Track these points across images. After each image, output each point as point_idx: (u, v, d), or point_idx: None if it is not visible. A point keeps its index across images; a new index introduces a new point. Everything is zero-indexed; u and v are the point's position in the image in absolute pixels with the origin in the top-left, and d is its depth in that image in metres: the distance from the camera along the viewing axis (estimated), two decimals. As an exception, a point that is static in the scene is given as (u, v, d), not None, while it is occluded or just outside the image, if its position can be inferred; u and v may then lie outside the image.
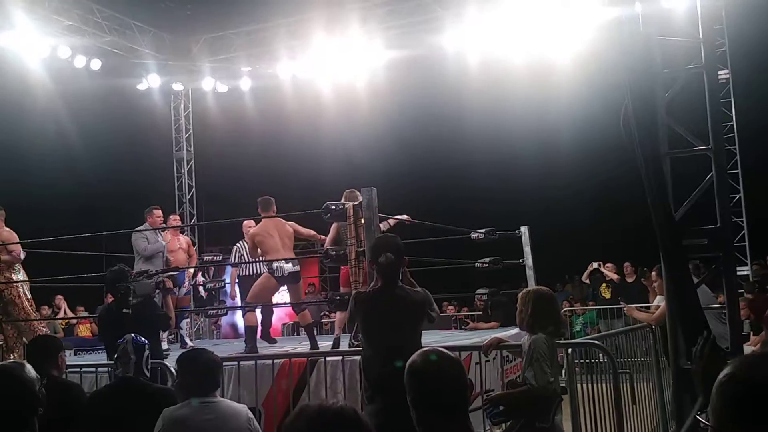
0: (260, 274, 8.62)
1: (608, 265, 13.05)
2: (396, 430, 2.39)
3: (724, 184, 4.31)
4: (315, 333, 8.36)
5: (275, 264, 8.04)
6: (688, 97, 4.70)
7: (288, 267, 8.04)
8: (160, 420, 3.80)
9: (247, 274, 9.88)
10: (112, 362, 5.68)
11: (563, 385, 4.75)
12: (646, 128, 4.00)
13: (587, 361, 5.47)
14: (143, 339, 4.57)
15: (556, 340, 4.40)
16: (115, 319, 6.39)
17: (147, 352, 4.51)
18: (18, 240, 8.44)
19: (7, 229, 8.50)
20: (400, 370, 2.50)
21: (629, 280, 12.13)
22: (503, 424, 4.42)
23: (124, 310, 6.41)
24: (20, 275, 8.46)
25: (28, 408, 2.79)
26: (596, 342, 5.24)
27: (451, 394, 2.37)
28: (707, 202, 4.55)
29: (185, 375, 3.98)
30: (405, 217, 8.97)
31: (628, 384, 5.00)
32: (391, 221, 8.75)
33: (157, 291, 6.92)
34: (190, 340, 10.27)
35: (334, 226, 8.01)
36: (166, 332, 9.19)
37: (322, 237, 8.43)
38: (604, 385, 4.97)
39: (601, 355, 5.07)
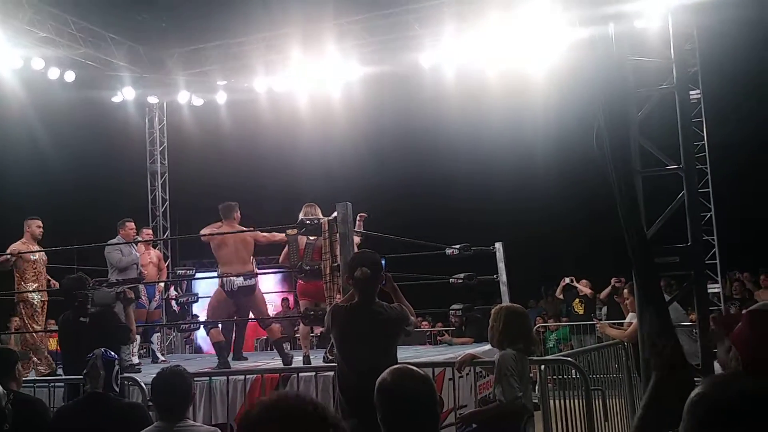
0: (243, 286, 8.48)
1: (582, 281, 13.15)
2: None
3: (695, 203, 4.37)
4: (286, 348, 8.32)
5: (225, 278, 7.93)
6: (660, 117, 4.77)
7: (238, 281, 7.86)
8: None
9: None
10: (71, 375, 5.60)
11: (536, 401, 4.77)
12: (619, 146, 4.04)
13: (560, 377, 5.50)
14: (113, 354, 4.52)
15: (529, 357, 4.42)
16: (73, 329, 6.28)
17: (117, 368, 4.45)
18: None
19: None
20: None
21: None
22: None
23: (81, 319, 6.29)
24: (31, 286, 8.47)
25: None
26: (569, 359, 5.26)
27: (421, 412, 2.37)
28: (679, 220, 4.61)
29: (156, 398, 3.93)
30: (361, 215, 8.95)
31: (600, 401, 5.02)
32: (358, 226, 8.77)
33: (118, 301, 6.74)
34: (162, 354, 10.18)
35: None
36: (136, 346, 9.10)
37: (281, 237, 8.23)
38: (576, 401, 5.00)
39: (574, 371, 5.10)
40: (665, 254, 4.28)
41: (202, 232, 8.19)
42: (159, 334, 10.50)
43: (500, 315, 4.46)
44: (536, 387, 5.39)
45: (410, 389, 2.41)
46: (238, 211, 8.26)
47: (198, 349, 13.60)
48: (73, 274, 6.65)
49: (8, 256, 8.36)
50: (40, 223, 8.69)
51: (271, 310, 13.84)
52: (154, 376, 4.05)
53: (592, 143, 4.22)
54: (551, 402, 5.15)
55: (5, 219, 13.86)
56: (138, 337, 9.22)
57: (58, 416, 4.35)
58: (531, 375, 5.31)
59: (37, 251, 8.57)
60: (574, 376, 5.23)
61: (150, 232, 10.35)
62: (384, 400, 2.42)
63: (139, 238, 9.48)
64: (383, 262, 6.31)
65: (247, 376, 6.45)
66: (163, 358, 9.81)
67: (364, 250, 5.91)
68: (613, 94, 4.20)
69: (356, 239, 8.58)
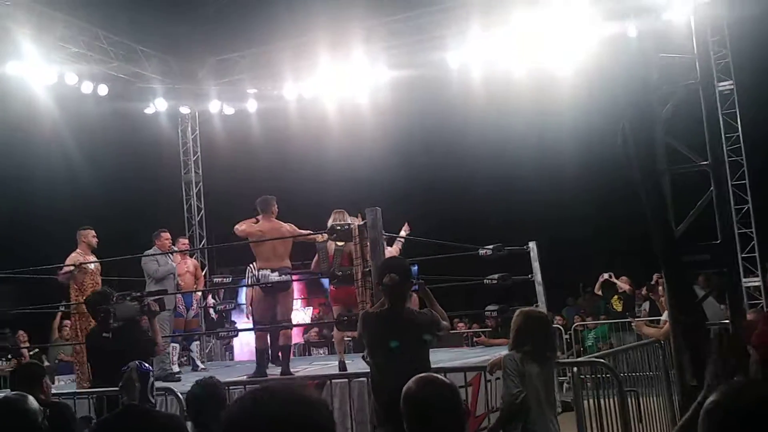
0: None
1: (622, 277, 13.00)
2: None
3: (723, 200, 4.32)
4: (321, 353, 8.38)
5: (261, 272, 7.90)
6: (688, 113, 4.71)
7: (274, 276, 7.82)
8: None
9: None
10: (102, 388, 5.69)
11: (568, 400, 4.77)
12: (644, 145, 4.01)
13: (595, 376, 5.46)
14: (148, 366, 4.59)
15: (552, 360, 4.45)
16: (97, 344, 6.36)
17: (152, 380, 4.52)
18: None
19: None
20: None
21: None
22: None
23: (104, 335, 6.36)
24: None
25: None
26: (601, 360, 5.23)
27: (446, 420, 2.38)
28: (712, 216, 4.55)
29: (191, 411, 3.98)
30: (405, 227, 9.02)
31: (634, 401, 4.97)
32: (402, 237, 8.80)
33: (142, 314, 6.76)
34: (202, 362, 10.30)
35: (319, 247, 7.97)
36: (176, 355, 9.23)
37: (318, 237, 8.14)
38: (611, 401, 4.97)
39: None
40: (696, 252, 4.23)
41: (238, 227, 8.05)
42: (198, 342, 10.62)
43: (515, 318, 4.50)
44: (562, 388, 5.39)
45: (435, 398, 2.43)
46: (276, 205, 8.15)
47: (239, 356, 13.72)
48: (99, 289, 6.74)
49: (72, 268, 8.44)
50: (94, 232, 8.77)
51: (303, 315, 13.98)
52: (189, 388, 4.11)
53: (617, 143, 4.20)
54: (586, 402, 5.13)
55: (40, 234, 14.21)
56: (177, 345, 9.35)
57: (97, 429, 4.43)
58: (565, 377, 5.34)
59: (93, 261, 8.65)
60: (608, 376, 5.19)
61: (186, 241, 10.47)
62: (409, 409, 2.44)
63: (175, 248, 9.59)
64: (414, 268, 6.32)
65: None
66: (202, 366, 9.93)
67: (393, 257, 5.95)
68: (636, 93, 4.17)
69: (396, 248, 8.66)
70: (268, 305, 7.96)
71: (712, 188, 4.28)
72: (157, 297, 7.18)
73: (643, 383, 6.49)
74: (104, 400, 5.60)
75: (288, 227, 8.09)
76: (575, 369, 5.10)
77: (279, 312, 7.95)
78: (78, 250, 8.65)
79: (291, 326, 8.44)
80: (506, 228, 12.79)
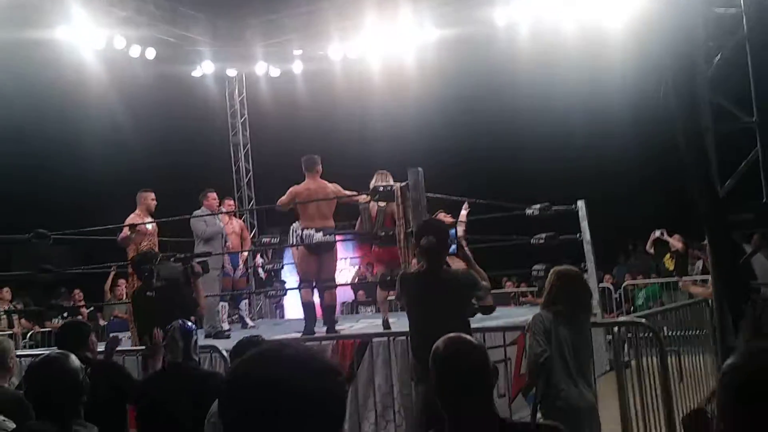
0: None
1: (675, 235, 12.74)
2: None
3: (770, 158, 4.20)
4: (369, 312, 8.47)
5: (305, 231, 7.94)
6: (737, 69, 4.56)
7: (318, 236, 7.86)
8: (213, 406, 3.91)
9: None
10: (141, 347, 5.84)
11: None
12: (687, 102, 3.92)
13: (639, 336, 5.42)
14: (191, 324, 4.71)
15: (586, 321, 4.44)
16: (141, 302, 6.52)
17: (195, 338, 4.64)
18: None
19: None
20: None
21: None
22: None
23: (147, 293, 6.50)
24: None
25: (74, 397, 2.93)
26: (641, 320, 5.18)
27: (472, 381, 2.40)
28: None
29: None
30: (465, 207, 9.10)
31: (676, 360, 4.93)
32: (463, 220, 8.88)
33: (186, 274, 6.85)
34: (251, 320, 10.51)
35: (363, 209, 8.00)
36: (225, 313, 9.42)
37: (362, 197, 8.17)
38: (653, 359, 4.92)
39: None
40: (739, 211, 4.14)
41: (295, 190, 8.06)
42: (246, 300, 10.81)
43: (549, 277, 4.48)
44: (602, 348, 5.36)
45: (461, 357, 2.45)
46: (320, 164, 8.18)
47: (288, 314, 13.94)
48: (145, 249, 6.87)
49: (128, 232, 8.58)
50: (153, 195, 8.88)
51: (350, 275, 14.10)
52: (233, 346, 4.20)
53: (660, 100, 4.10)
54: (634, 362, 5.11)
55: (91, 198, 14.57)
56: (225, 304, 9.53)
57: (141, 387, 4.58)
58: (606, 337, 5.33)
59: (150, 222, 8.76)
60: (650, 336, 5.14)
61: (232, 202, 10.60)
62: (437, 369, 2.46)
63: (223, 209, 9.72)
64: (452, 231, 6.30)
65: (325, 342, 6.63)
66: (252, 324, 10.13)
67: (430, 218, 5.95)
68: (680, 47, 4.06)
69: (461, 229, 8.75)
70: (313, 264, 8.02)
71: (758, 146, 4.17)
72: (201, 260, 7.30)
73: (689, 343, 6.41)
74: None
75: (333, 187, 8.12)
76: (615, 329, 5.06)
77: (323, 271, 8.03)
78: (137, 212, 8.78)
79: (335, 285, 8.50)
80: (555, 187, 12.63)
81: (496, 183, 15.11)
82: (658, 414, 4.83)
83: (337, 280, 8.97)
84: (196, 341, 4.63)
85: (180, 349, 4.52)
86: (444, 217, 9.09)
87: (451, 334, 2.62)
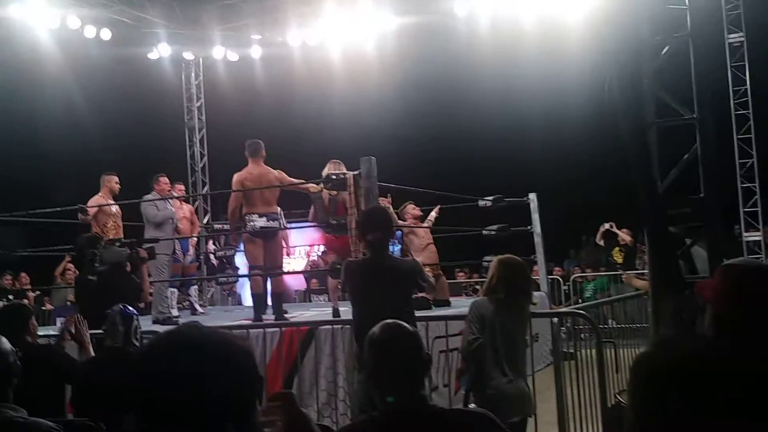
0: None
1: (623, 229, 12.96)
2: None
3: (709, 154, 4.29)
4: (318, 300, 8.47)
5: (247, 217, 7.85)
6: (680, 65, 4.64)
7: (260, 222, 7.78)
8: None
9: None
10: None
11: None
12: (631, 98, 3.97)
13: (584, 327, 5.50)
14: (132, 309, 4.65)
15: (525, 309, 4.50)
16: (83, 287, 6.42)
17: (136, 323, 4.58)
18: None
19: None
20: None
21: None
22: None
23: (89, 278, 6.40)
24: None
25: (3, 380, 2.87)
26: (580, 312, 5.27)
27: (404, 365, 2.41)
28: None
29: None
30: (436, 210, 9.22)
31: (612, 352, 5.01)
32: (431, 219, 8.96)
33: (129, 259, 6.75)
34: (201, 306, 10.43)
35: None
36: (175, 299, 9.32)
37: (311, 186, 8.16)
38: (592, 351, 5.00)
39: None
40: (678, 205, 4.23)
41: (240, 177, 7.97)
42: (196, 287, 10.71)
43: (492, 265, 4.53)
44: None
45: (395, 342, 2.45)
46: (264, 150, 8.09)
47: (240, 301, 13.87)
48: (87, 232, 6.77)
49: (89, 215, 8.48)
50: (117, 179, 8.79)
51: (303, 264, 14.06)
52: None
53: (604, 94, 4.16)
54: (581, 353, 5.19)
55: (43, 178, 14.28)
56: (175, 290, 9.43)
57: (79, 371, 4.51)
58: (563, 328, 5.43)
59: (112, 204, 8.64)
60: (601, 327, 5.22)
61: (182, 187, 10.48)
62: (371, 353, 2.46)
63: (174, 194, 9.61)
64: (398, 233, 6.26)
65: (275, 329, 6.60)
66: (201, 311, 10.05)
67: (374, 208, 5.93)
68: (626, 43, 4.11)
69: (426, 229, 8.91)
70: (258, 251, 7.95)
71: (698, 141, 4.25)
72: (148, 246, 7.19)
73: (633, 335, 6.53)
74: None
75: (276, 173, 8.06)
76: (555, 319, 5.13)
77: (269, 258, 7.98)
78: (100, 194, 8.68)
79: (281, 273, 8.44)
80: (510, 179, 12.72)
81: (454, 173, 15.16)
82: (594, 406, 4.92)
83: (286, 268, 8.93)
84: (137, 327, 4.57)
85: (120, 334, 4.46)
86: (413, 209, 9.13)
87: (388, 320, 2.63)
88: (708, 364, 1.44)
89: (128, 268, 6.56)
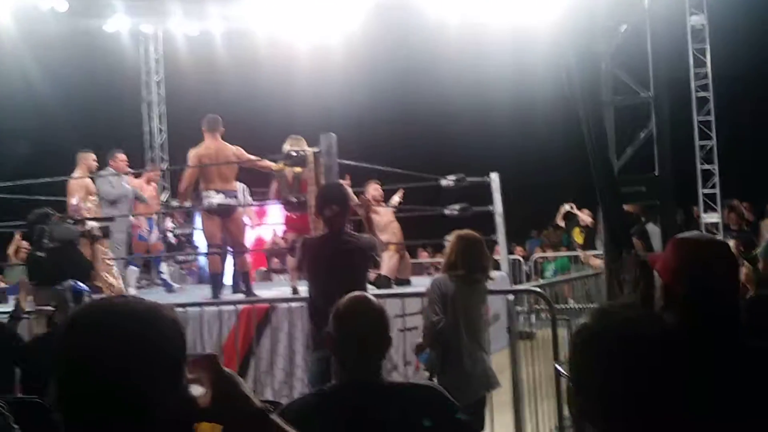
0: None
1: (584, 210, 13.04)
2: None
3: (664, 132, 4.30)
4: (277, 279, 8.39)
5: (203, 194, 7.68)
6: (637, 44, 4.64)
7: (217, 199, 7.61)
8: None
9: None
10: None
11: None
12: (588, 79, 3.95)
13: (541, 308, 5.53)
14: (83, 285, 4.56)
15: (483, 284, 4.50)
16: (32, 263, 6.30)
17: (87, 299, 4.49)
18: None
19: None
20: None
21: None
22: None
23: (38, 254, 6.28)
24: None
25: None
26: (536, 289, 5.28)
27: (370, 338, 2.38)
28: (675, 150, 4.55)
29: None
30: (400, 193, 9.12)
31: (566, 329, 5.03)
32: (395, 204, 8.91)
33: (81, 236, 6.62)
34: (174, 283, 10.25)
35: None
36: (133, 278, 9.16)
37: (268, 164, 8.05)
38: (548, 329, 5.02)
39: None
40: (632, 183, 4.24)
41: (198, 152, 7.77)
42: (166, 264, 10.50)
43: (451, 240, 4.52)
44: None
45: (362, 317, 2.43)
46: (222, 126, 7.90)
47: (202, 279, 13.69)
48: (40, 208, 6.62)
49: (81, 205, 8.29)
50: (94, 156, 8.69)
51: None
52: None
53: (561, 75, 4.13)
54: (541, 331, 5.20)
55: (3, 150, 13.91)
56: (135, 269, 9.28)
57: (28, 348, 4.42)
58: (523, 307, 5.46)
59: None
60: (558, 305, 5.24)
61: (159, 172, 10.23)
62: (336, 325, 2.43)
63: (130, 170, 9.44)
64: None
65: (237, 306, 6.53)
66: (177, 286, 9.89)
67: (330, 184, 5.89)
68: (583, 23, 4.08)
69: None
70: (216, 228, 7.82)
71: (653, 120, 4.26)
72: (102, 224, 7.04)
73: (587, 313, 6.57)
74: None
75: (234, 149, 7.92)
76: (511, 297, 5.14)
77: (229, 236, 7.86)
78: (78, 173, 8.56)
79: (243, 251, 8.32)
80: (473, 159, 12.70)
81: (417, 152, 15.09)
82: (550, 384, 4.95)
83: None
84: (89, 303, 4.47)
85: (71, 311, 4.36)
86: (374, 190, 9.05)
87: (355, 293, 2.60)
88: (642, 338, 1.42)
89: (80, 246, 6.44)
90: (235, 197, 7.86)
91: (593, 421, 1.43)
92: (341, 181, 8.32)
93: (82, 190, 8.34)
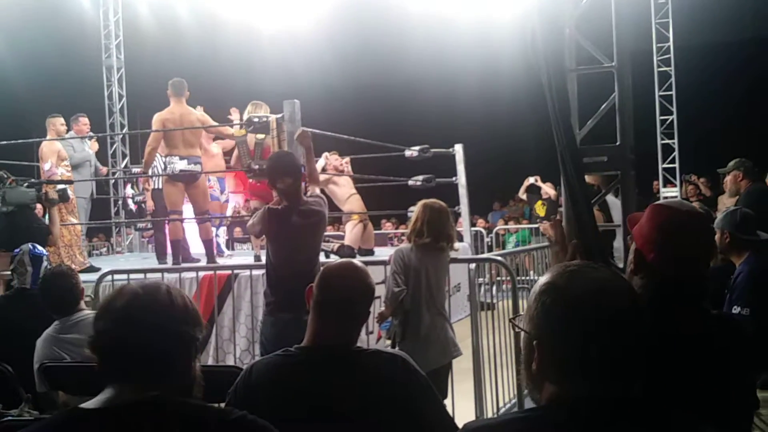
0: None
1: (547, 183, 13.13)
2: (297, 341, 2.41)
3: (626, 103, 4.33)
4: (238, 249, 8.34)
5: (167, 158, 7.64)
6: (601, 12, 4.63)
7: (180, 165, 7.57)
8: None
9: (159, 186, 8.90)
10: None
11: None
12: (552, 46, 3.94)
13: (502, 279, 5.57)
14: (41, 250, 4.49)
15: (447, 252, 4.53)
16: None
17: (45, 263, 4.43)
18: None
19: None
20: None
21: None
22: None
23: None
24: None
25: None
26: (497, 258, 5.32)
27: (350, 304, 2.38)
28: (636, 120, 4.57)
29: (45, 299, 3.88)
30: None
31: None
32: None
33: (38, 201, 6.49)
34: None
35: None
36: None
37: (229, 131, 8.02)
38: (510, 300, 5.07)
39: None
40: (593, 153, 4.27)
41: (161, 116, 7.72)
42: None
43: (416, 209, 4.54)
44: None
45: (348, 282, 2.42)
46: (188, 90, 7.86)
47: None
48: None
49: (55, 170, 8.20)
50: (62, 120, 8.59)
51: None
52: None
53: (527, 39, 4.11)
54: (502, 302, 5.24)
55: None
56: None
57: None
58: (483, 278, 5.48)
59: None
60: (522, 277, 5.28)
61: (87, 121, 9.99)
62: (321, 288, 2.42)
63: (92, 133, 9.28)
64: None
65: (199, 273, 6.47)
66: (228, 253, 9.78)
67: (280, 154, 5.80)
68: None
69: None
70: (178, 195, 7.76)
71: (616, 90, 4.28)
72: (60, 188, 6.89)
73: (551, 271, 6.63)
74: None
75: (199, 115, 7.84)
76: (472, 266, 5.17)
77: (194, 204, 7.79)
78: (49, 138, 8.46)
79: (207, 219, 8.24)
80: (438, 131, 12.68)
81: (382, 122, 15.03)
82: (509, 353, 5.01)
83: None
84: (47, 267, 4.41)
85: (29, 275, 4.31)
86: (335, 160, 8.98)
87: (348, 260, 2.61)
88: (609, 299, 1.43)
89: (37, 210, 6.32)
90: (199, 164, 7.77)
91: (549, 376, 1.44)
92: (327, 155, 8.31)
93: (54, 155, 8.21)
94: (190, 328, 1.70)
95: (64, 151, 8.35)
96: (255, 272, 6.24)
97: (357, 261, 2.63)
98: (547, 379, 1.45)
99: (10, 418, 2.87)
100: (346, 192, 8.88)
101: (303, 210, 4.69)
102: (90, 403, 1.62)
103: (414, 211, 4.60)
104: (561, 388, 1.42)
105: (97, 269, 7.98)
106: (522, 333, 1.52)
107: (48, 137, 8.38)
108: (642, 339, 1.43)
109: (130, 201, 10.61)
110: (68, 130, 8.84)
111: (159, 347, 1.62)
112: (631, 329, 1.42)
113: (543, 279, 1.52)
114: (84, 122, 9.05)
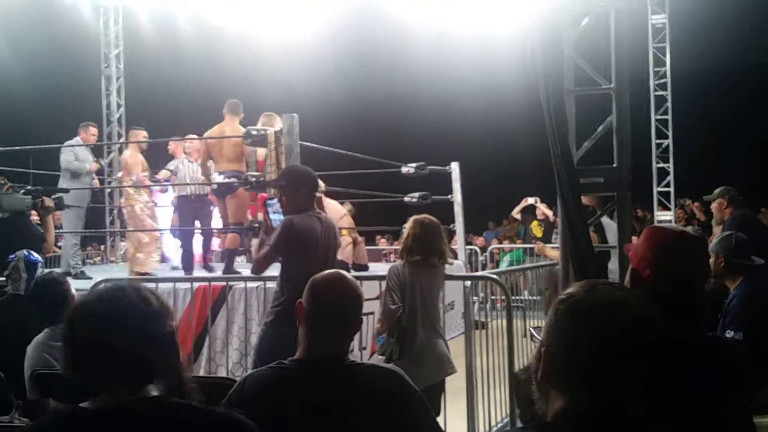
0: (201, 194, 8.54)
1: (545, 204, 13.14)
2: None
3: (624, 125, 4.35)
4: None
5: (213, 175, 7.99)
6: (601, 34, 4.67)
7: (218, 179, 7.88)
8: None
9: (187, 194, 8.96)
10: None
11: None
12: (552, 65, 3.97)
13: (496, 297, 5.56)
14: (36, 256, 4.48)
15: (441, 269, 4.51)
16: None
17: (41, 270, 4.42)
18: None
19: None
20: None
21: None
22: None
23: None
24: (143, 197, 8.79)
25: None
26: (492, 276, 5.32)
27: (341, 315, 2.37)
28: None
29: (36, 303, 3.87)
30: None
31: (521, 318, 5.08)
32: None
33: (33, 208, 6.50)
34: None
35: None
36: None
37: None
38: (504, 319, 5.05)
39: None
40: (590, 175, 4.29)
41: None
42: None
43: (408, 225, 4.51)
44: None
45: (339, 292, 2.41)
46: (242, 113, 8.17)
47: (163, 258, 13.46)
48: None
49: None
50: (146, 133, 8.85)
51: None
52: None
53: (526, 59, 4.15)
54: (496, 321, 5.23)
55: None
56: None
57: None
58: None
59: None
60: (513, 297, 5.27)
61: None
62: (310, 299, 2.41)
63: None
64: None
65: (178, 284, 6.44)
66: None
67: (294, 167, 5.71)
68: (546, 12, 4.10)
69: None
70: (222, 207, 8.17)
71: (613, 112, 4.31)
72: (56, 196, 6.85)
73: (540, 305, 6.65)
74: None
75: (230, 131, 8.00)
76: (467, 284, 5.17)
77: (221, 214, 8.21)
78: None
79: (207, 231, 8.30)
80: (435, 148, 12.70)
81: (379, 138, 15.04)
82: (503, 372, 4.99)
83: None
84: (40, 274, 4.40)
85: (23, 281, 4.30)
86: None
87: (336, 270, 2.59)
88: (625, 315, 1.44)
89: (33, 217, 6.30)
90: (235, 178, 7.82)
91: (554, 385, 1.45)
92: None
93: (138, 166, 8.65)
94: (166, 323, 1.69)
95: (145, 163, 8.70)
96: (249, 284, 6.23)
97: (343, 271, 2.61)
98: (553, 388, 1.46)
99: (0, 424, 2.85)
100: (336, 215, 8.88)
101: (320, 217, 4.58)
102: (83, 406, 1.62)
103: (406, 227, 4.57)
104: (564, 401, 1.43)
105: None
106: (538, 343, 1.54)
107: (130, 150, 8.69)
108: (652, 356, 1.44)
109: (124, 211, 10.53)
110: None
111: (143, 347, 1.61)
112: (643, 345, 1.43)
113: (566, 291, 1.53)
114: (93, 132, 9.04)
